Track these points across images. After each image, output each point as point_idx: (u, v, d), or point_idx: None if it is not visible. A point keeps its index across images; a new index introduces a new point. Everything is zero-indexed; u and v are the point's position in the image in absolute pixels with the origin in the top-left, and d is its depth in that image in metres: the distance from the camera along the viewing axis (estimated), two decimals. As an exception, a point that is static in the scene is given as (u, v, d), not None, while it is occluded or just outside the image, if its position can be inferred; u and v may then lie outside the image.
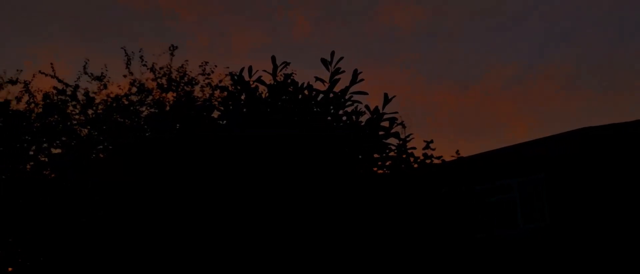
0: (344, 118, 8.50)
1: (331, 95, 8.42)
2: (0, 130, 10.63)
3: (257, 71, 8.79)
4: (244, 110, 8.81)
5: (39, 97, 11.19)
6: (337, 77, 8.38)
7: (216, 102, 10.82)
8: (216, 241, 7.82)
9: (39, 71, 11.33)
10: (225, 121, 8.98)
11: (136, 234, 8.12)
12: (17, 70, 11.48)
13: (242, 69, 8.80)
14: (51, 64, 11.41)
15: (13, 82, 11.22)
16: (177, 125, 10.34)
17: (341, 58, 8.36)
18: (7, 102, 11.11)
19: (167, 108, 11.71)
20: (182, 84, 12.11)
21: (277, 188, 7.82)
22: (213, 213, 7.92)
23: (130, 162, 8.85)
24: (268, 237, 7.65)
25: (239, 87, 8.90)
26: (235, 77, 8.88)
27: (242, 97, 8.84)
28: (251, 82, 8.76)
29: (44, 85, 11.73)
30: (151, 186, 8.24)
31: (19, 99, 11.12)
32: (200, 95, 12.00)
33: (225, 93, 9.78)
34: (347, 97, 8.45)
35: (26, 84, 11.17)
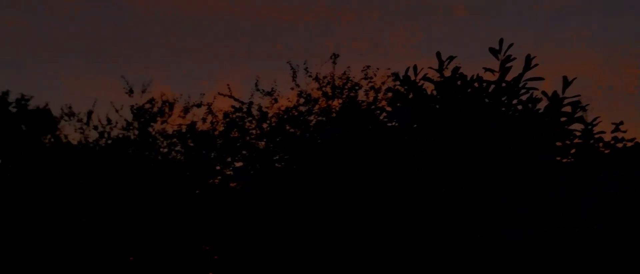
0: (519, 107, 8.07)
1: (503, 84, 8.04)
2: (191, 150, 11.79)
3: (422, 68, 8.72)
4: (412, 109, 8.77)
5: (220, 116, 12.22)
6: (508, 65, 7.99)
7: (382, 104, 10.91)
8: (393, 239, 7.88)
9: (218, 93, 12.37)
10: (394, 122, 9.02)
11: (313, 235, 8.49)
12: (201, 94, 12.65)
13: (408, 69, 8.78)
14: (227, 85, 12.39)
15: (198, 105, 12.38)
16: (345, 131, 10.61)
17: (511, 45, 7.96)
18: (193, 123, 12.31)
19: (334, 115, 12.07)
20: (346, 90, 12.38)
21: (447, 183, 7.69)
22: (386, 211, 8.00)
23: (304, 170, 9.30)
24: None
25: (405, 88, 8.89)
26: (401, 78, 8.88)
27: (410, 96, 8.82)
28: (417, 81, 8.71)
29: (222, 105, 12.80)
30: (324, 191, 8.57)
31: (204, 120, 12.25)
32: (364, 99, 12.17)
33: (390, 94, 9.81)
34: (520, 84, 8.00)
35: (209, 106, 12.26)
